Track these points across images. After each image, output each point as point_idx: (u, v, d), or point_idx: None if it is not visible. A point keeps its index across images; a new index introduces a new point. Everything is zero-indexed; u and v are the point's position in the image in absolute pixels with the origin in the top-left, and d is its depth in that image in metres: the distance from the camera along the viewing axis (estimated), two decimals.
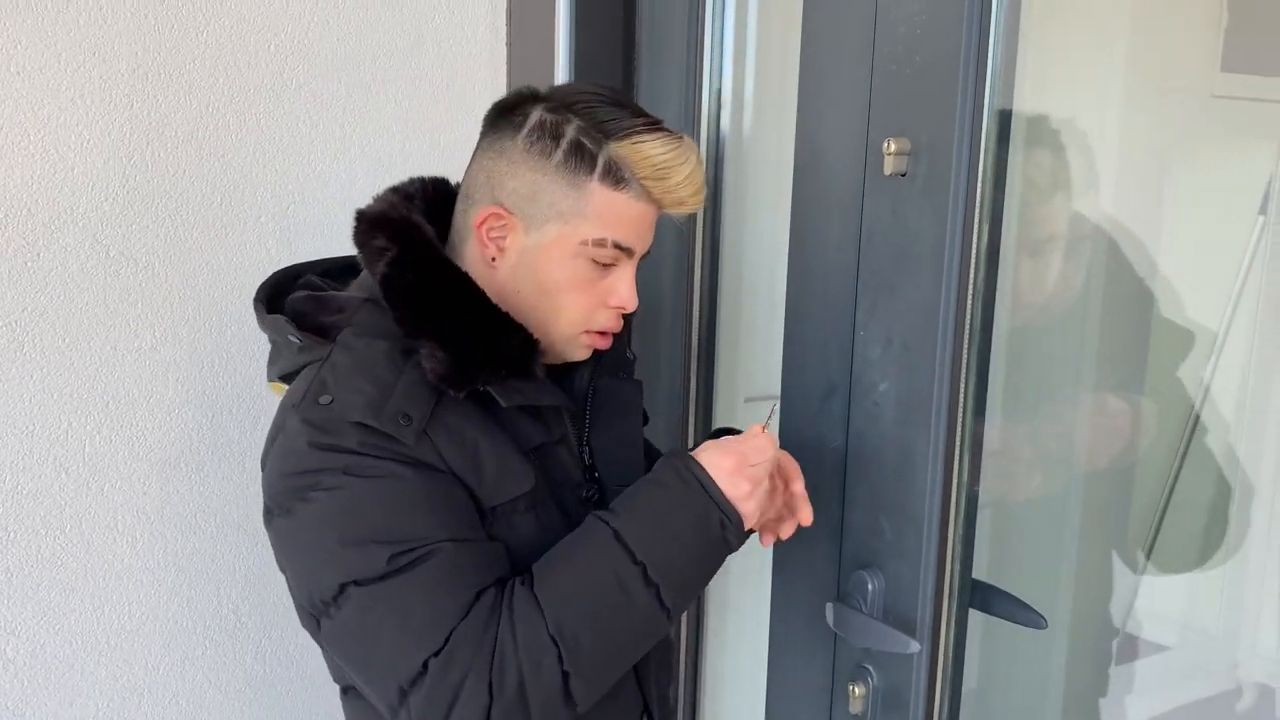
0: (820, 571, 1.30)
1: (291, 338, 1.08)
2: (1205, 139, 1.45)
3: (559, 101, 1.08)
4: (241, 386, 1.51)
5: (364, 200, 1.21)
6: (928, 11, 1.12)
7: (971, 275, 1.10)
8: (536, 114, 1.07)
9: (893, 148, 1.14)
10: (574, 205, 1.05)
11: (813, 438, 1.28)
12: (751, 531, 1.10)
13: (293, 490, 1.02)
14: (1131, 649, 1.53)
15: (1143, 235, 1.45)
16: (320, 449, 1.00)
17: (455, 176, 1.20)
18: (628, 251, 1.09)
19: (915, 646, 1.13)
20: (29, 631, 1.41)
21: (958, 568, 1.16)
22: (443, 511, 1.01)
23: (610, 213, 1.06)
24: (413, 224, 1.08)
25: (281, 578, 1.08)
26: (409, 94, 1.59)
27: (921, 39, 1.13)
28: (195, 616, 1.52)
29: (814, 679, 1.32)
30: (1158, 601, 1.52)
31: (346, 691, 1.17)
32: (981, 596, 1.20)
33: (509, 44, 1.65)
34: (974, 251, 1.10)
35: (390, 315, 1.05)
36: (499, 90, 1.66)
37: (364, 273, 1.11)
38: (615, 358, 1.22)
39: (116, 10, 1.36)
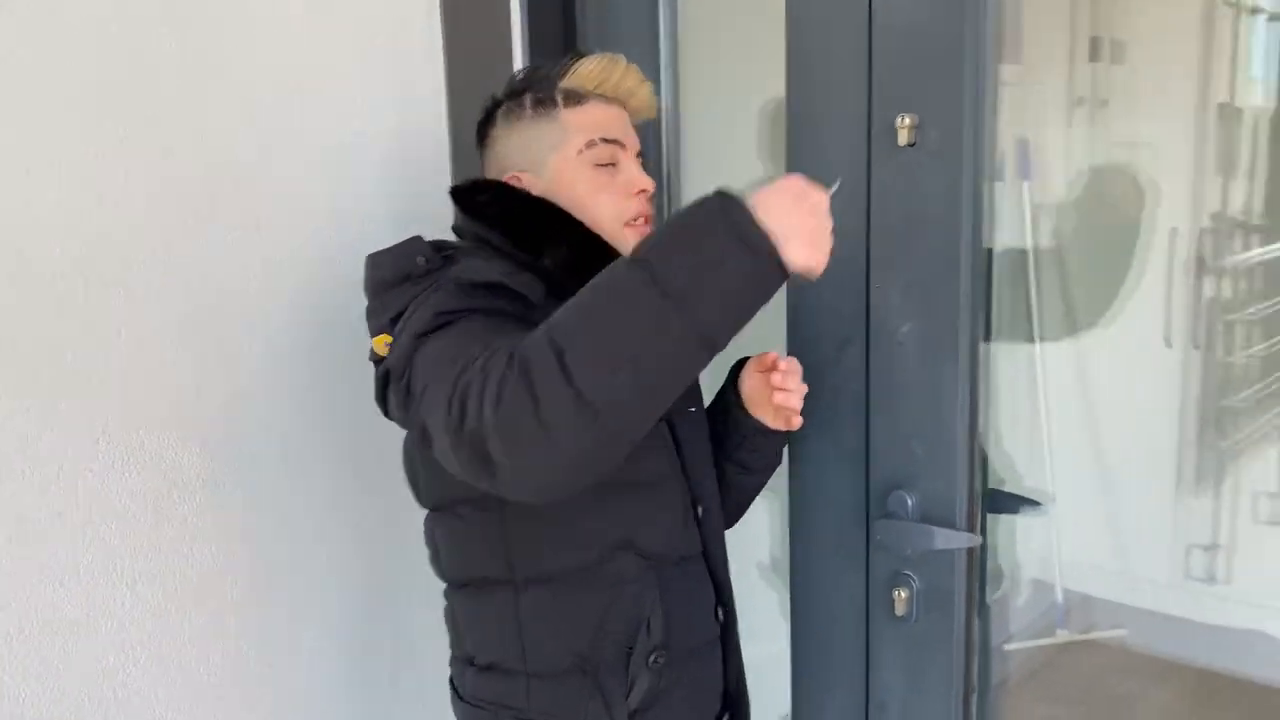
0: (848, 498, 1.43)
1: (420, 258, 1.18)
2: None
3: (509, 90, 1.33)
4: (230, 413, 1.42)
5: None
6: None
7: (986, 220, 1.28)
8: (501, 108, 1.33)
9: (906, 122, 1.30)
10: (557, 134, 1.28)
11: (829, 385, 1.42)
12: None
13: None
14: None
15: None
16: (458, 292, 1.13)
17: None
18: (619, 144, 1.29)
19: (978, 539, 1.31)
20: (32, 696, 1.26)
21: (981, 477, 1.36)
22: None
23: (585, 122, 1.28)
24: (498, 182, 1.29)
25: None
26: (359, 108, 1.55)
27: (920, 9, 1.28)
28: (199, 657, 1.42)
29: (846, 593, 1.46)
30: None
31: (464, 586, 1.26)
32: (992, 500, 1.41)
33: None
34: (985, 201, 1.28)
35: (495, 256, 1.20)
36: (439, 79, 1.65)
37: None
38: None
39: (82, 35, 1.24)
